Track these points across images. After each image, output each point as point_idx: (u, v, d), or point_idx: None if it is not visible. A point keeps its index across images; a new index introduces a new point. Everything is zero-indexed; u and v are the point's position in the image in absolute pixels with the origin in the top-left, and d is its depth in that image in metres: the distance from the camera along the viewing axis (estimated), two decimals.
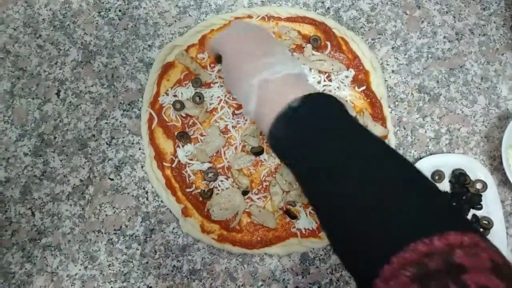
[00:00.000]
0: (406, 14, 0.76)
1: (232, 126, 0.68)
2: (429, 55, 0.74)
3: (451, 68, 0.73)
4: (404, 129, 0.70)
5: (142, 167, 0.68)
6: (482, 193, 0.66)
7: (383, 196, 0.37)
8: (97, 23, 0.74)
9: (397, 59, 0.73)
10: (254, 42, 0.53)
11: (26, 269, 0.64)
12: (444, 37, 0.75)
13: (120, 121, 0.70)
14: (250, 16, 0.73)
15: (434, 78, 0.73)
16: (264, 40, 0.54)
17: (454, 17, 0.76)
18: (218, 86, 0.69)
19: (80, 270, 0.64)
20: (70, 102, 0.70)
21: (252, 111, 0.47)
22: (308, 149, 0.42)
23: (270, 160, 0.67)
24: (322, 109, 0.44)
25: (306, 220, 0.65)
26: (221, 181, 0.66)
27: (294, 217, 0.65)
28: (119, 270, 0.64)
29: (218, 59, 0.69)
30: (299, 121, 0.43)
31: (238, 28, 0.57)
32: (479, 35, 0.75)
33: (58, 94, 0.70)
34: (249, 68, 0.48)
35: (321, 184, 0.41)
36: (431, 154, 0.69)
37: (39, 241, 0.65)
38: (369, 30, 0.75)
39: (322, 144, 0.41)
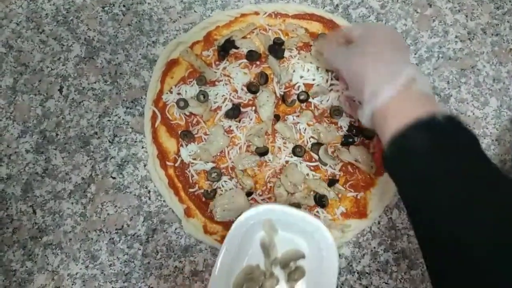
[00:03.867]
0: (417, 12, 0.74)
1: (237, 126, 0.66)
2: (440, 55, 0.72)
3: (462, 68, 0.71)
4: None
5: (144, 166, 0.67)
6: None
7: None
8: (100, 18, 0.72)
9: None
10: (399, 45, 0.53)
11: (27, 267, 0.63)
12: (456, 37, 0.73)
13: (123, 119, 0.69)
14: (257, 13, 0.71)
15: (445, 79, 0.71)
16: (405, 48, 0.57)
17: (467, 16, 0.74)
18: (223, 84, 0.68)
19: (81, 269, 0.63)
20: (72, 98, 0.69)
21: (380, 101, 0.45)
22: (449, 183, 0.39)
23: (275, 161, 0.65)
24: (472, 140, 0.41)
25: None
26: (225, 181, 0.65)
27: None
28: (120, 270, 0.63)
29: (222, 56, 0.68)
30: (449, 137, 0.40)
31: (380, 28, 0.59)
32: (492, 34, 0.73)
33: (60, 90, 0.69)
34: (398, 59, 0.49)
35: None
36: None
37: (40, 239, 0.64)
38: None
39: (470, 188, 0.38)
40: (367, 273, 0.63)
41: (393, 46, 0.51)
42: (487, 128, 0.69)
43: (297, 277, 0.59)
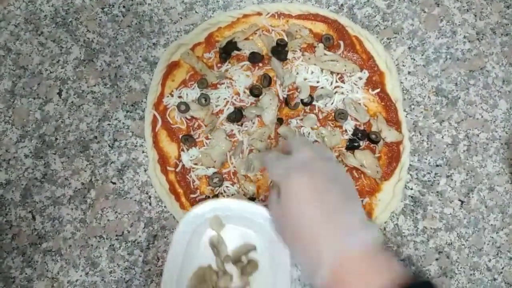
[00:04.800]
0: (424, 12, 0.72)
1: (239, 130, 0.65)
2: (448, 56, 0.70)
3: (471, 70, 0.69)
4: (420, 134, 0.67)
5: (145, 171, 0.66)
6: None
7: None
8: (100, 19, 0.71)
9: (414, 59, 0.70)
10: (334, 187, 0.45)
11: (26, 274, 0.62)
12: (464, 37, 0.71)
13: (123, 123, 0.67)
14: (259, 13, 0.70)
15: (453, 81, 0.69)
16: (344, 184, 0.47)
17: (475, 15, 0.71)
18: (225, 87, 0.66)
19: (81, 276, 0.62)
20: (72, 102, 0.68)
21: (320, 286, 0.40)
22: None
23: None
24: None
25: None
26: (227, 186, 0.63)
27: None
28: (121, 277, 0.62)
29: (224, 58, 0.67)
30: None
31: (302, 167, 0.47)
32: (502, 35, 0.71)
33: (59, 93, 0.68)
34: (325, 230, 0.41)
35: None
36: (447, 160, 0.66)
37: (39, 245, 0.63)
38: (384, 28, 0.71)
39: None
40: None
41: (327, 193, 0.45)
42: (496, 132, 0.67)
43: (250, 270, 0.57)
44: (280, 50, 0.67)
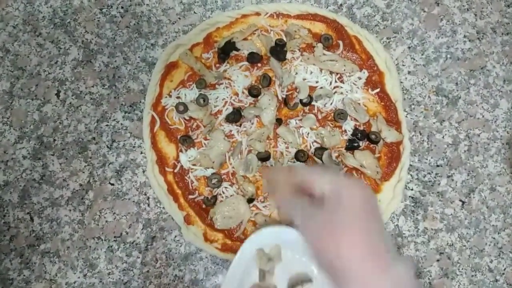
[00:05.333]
0: (424, 11, 0.71)
1: (237, 130, 0.65)
2: (448, 56, 0.69)
3: (471, 69, 0.69)
4: (420, 134, 0.66)
5: (143, 172, 0.65)
6: None
7: None
8: (98, 20, 0.71)
9: (414, 59, 0.69)
10: (378, 212, 0.41)
11: (24, 275, 0.62)
12: (465, 36, 0.70)
13: (121, 124, 0.67)
14: (258, 14, 0.69)
15: (453, 80, 0.68)
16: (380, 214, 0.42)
17: (476, 14, 0.71)
18: (224, 88, 0.66)
19: (79, 278, 0.62)
20: (70, 103, 0.68)
21: None
22: None
23: (277, 166, 0.63)
24: None
25: None
26: (225, 187, 0.63)
27: None
28: (119, 278, 0.62)
29: (222, 58, 0.67)
30: None
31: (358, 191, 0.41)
32: (502, 34, 0.70)
33: (58, 94, 0.68)
34: (369, 262, 0.37)
35: None
36: (448, 161, 0.65)
37: (37, 247, 0.63)
38: (384, 28, 0.70)
39: None
40: None
41: (376, 225, 0.40)
42: (497, 131, 0.67)
43: None
44: (279, 50, 0.66)
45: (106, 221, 0.64)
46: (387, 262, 0.38)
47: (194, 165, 0.63)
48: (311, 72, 0.66)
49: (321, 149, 0.63)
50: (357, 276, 0.38)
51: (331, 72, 0.67)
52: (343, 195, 0.40)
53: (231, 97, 0.66)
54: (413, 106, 0.67)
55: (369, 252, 0.38)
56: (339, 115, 0.64)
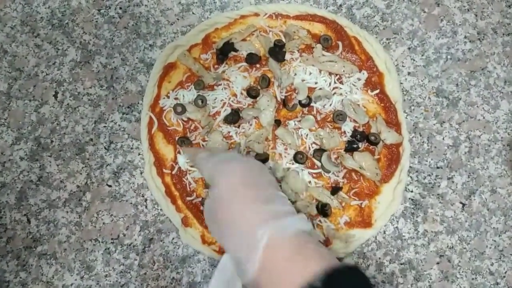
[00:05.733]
0: (424, 12, 0.71)
1: (236, 132, 0.64)
2: (448, 56, 0.69)
3: (472, 70, 0.68)
4: (420, 135, 0.66)
5: (141, 173, 0.65)
6: None
7: None
8: (96, 21, 0.71)
9: (414, 60, 0.69)
10: (263, 178, 0.47)
11: (21, 277, 0.62)
12: (465, 37, 0.70)
13: (119, 125, 0.67)
14: (257, 14, 0.69)
15: (454, 81, 0.68)
16: (271, 178, 0.49)
17: (476, 15, 0.70)
18: (222, 89, 0.66)
19: (76, 280, 0.61)
20: (68, 104, 0.67)
21: (250, 275, 0.40)
22: None
23: (276, 168, 0.63)
24: None
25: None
26: None
27: None
28: (116, 281, 0.61)
29: (221, 59, 0.66)
30: None
31: (231, 160, 0.50)
32: (503, 34, 0.70)
33: (55, 95, 0.68)
34: (251, 216, 0.42)
35: None
36: (448, 162, 0.65)
37: (34, 249, 0.62)
38: (384, 29, 0.70)
39: None
40: (372, 285, 0.60)
41: (248, 187, 0.45)
42: (498, 133, 0.66)
43: None
44: (277, 51, 0.66)
45: (103, 223, 0.63)
46: (270, 215, 0.42)
47: (192, 166, 0.63)
48: (310, 73, 0.66)
49: (320, 151, 0.63)
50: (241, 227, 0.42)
51: (330, 73, 0.66)
52: (220, 182, 0.47)
53: (230, 98, 0.65)
54: (413, 108, 0.67)
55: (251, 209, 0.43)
56: (338, 116, 0.64)
